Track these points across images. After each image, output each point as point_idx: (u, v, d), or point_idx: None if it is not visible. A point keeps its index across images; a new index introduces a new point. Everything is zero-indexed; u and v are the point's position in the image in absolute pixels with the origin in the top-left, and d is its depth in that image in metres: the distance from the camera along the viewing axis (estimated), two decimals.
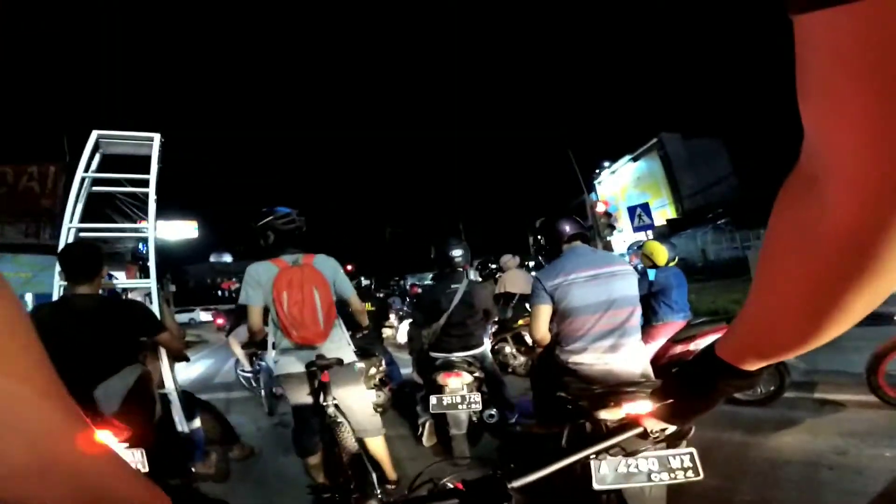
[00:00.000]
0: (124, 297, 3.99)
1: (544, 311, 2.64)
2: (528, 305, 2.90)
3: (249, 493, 3.31)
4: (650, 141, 24.23)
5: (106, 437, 2.28)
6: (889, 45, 0.26)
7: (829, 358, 4.61)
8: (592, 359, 2.49)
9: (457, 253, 3.96)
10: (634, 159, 25.48)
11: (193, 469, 3.30)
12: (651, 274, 4.45)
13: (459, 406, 3.47)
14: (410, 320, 4.52)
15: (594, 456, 1.95)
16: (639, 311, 2.58)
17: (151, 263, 4.01)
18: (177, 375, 3.64)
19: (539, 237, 2.95)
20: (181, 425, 3.38)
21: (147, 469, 2.39)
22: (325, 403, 2.58)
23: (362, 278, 6.18)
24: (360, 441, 2.71)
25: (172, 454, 2.92)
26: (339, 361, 2.63)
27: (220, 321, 6.89)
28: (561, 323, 2.64)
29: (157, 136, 4.33)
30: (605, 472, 1.87)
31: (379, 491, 2.45)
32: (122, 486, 0.44)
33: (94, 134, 4.12)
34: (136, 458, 2.39)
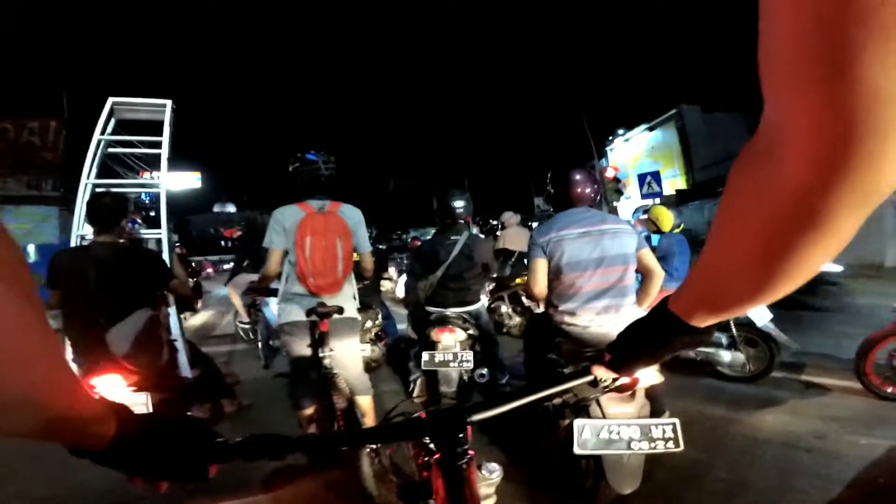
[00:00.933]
0: (145, 245, 4.37)
1: (540, 265, 2.62)
2: (526, 262, 2.88)
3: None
4: (669, 112, 23.74)
5: (115, 381, 2.59)
6: (839, 21, 0.29)
7: (818, 341, 4.67)
8: (585, 320, 2.47)
9: (458, 204, 3.85)
10: (651, 129, 24.99)
11: (190, 413, 3.40)
12: (654, 239, 4.42)
13: (451, 364, 3.45)
14: (407, 272, 4.50)
15: (575, 416, 1.98)
16: (632, 270, 2.55)
17: (163, 215, 4.52)
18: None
19: (549, 187, 2.89)
20: (184, 370, 3.58)
21: (151, 410, 2.56)
22: (321, 354, 2.56)
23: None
24: (350, 397, 2.72)
25: (175, 398, 2.99)
26: (339, 310, 2.59)
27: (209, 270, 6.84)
28: (554, 280, 2.62)
29: (168, 103, 4.76)
30: (587, 437, 1.90)
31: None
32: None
33: (110, 101, 4.59)
34: (142, 401, 2.59)
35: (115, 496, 2.07)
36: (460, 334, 3.59)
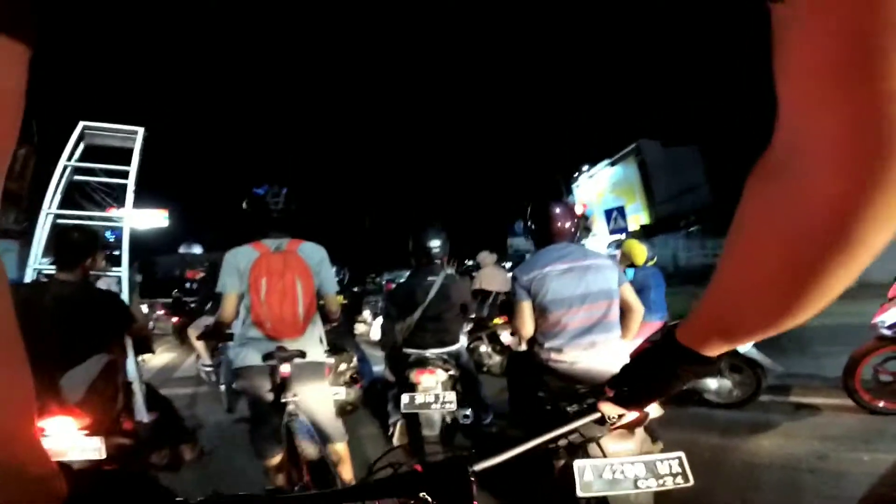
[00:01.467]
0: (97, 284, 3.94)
1: (526, 307, 2.54)
2: (511, 302, 2.78)
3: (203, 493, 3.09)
4: (629, 146, 24.45)
5: (66, 424, 2.37)
6: (875, 32, 0.28)
7: (801, 362, 4.64)
8: (572, 357, 2.40)
9: (435, 243, 3.68)
10: (612, 164, 25.65)
11: (150, 459, 3.26)
12: (629, 273, 4.39)
13: (433, 405, 3.25)
14: (383, 315, 4.34)
15: (570, 456, 1.81)
16: (616, 304, 2.49)
17: (125, 252, 4.34)
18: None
19: (530, 221, 2.83)
20: (140, 414, 3.38)
21: (104, 456, 2.37)
22: (283, 400, 2.34)
23: (335, 268, 5.82)
24: (323, 445, 2.47)
25: (130, 443, 2.80)
26: (301, 354, 2.38)
27: (174, 319, 6.56)
28: (539, 318, 2.54)
29: (140, 130, 4.57)
30: (590, 479, 1.75)
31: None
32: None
33: (81, 125, 4.34)
34: (95, 446, 2.37)
35: None
36: (441, 375, 3.40)
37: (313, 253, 2.60)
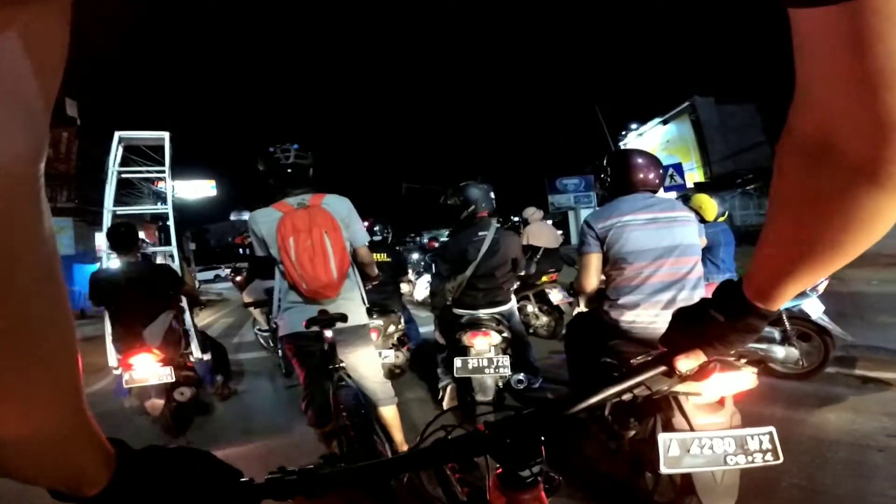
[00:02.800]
0: (154, 259, 5.78)
1: (594, 259, 2.40)
2: (576, 254, 2.65)
3: (260, 464, 3.19)
4: (682, 104, 23.45)
5: (149, 359, 3.45)
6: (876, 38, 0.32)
7: (865, 333, 4.38)
8: (650, 316, 2.23)
9: (481, 196, 3.56)
10: (664, 122, 24.72)
11: (206, 387, 4.42)
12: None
13: (486, 370, 3.19)
14: (432, 274, 4.28)
15: (661, 430, 1.72)
16: (700, 264, 2.34)
17: (172, 233, 5.97)
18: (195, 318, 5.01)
19: (606, 172, 2.60)
20: (196, 352, 4.65)
21: (173, 379, 3.47)
22: (331, 366, 2.30)
23: (377, 227, 5.86)
24: (373, 409, 2.50)
25: (192, 374, 3.95)
26: (343, 317, 2.30)
27: (238, 278, 6.96)
28: (612, 271, 2.37)
29: (167, 135, 5.92)
30: (676, 454, 1.67)
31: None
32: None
33: (117, 135, 5.61)
34: (167, 373, 3.44)
35: None
36: (494, 338, 3.31)
37: (339, 205, 2.52)
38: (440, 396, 3.73)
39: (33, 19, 0.26)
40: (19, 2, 0.25)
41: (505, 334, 3.42)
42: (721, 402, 1.82)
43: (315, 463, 0.66)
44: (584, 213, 19.60)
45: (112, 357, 4.37)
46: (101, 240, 18.54)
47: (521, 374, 3.43)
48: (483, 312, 3.48)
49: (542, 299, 6.07)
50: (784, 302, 0.66)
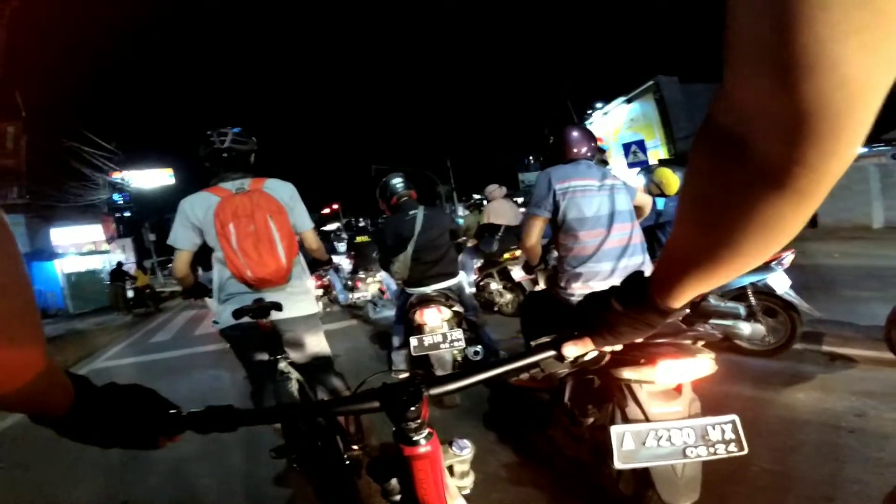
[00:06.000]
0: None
1: (541, 224, 2.44)
2: (523, 212, 2.64)
3: (204, 456, 3.07)
4: (646, 83, 23.59)
5: None
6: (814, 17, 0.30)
7: (831, 308, 4.34)
8: (604, 286, 2.10)
9: (399, 181, 3.79)
10: (629, 101, 24.85)
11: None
12: (660, 203, 4.04)
13: (442, 346, 3.26)
14: (378, 259, 4.28)
15: (617, 420, 1.56)
16: (639, 229, 2.37)
17: None
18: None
19: (548, 141, 2.64)
20: None
21: None
22: (270, 358, 2.16)
23: (361, 220, 6.38)
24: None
25: None
26: (277, 306, 2.13)
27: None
28: (566, 239, 2.33)
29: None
30: (631, 447, 1.53)
31: (346, 456, 2.21)
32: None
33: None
34: None
35: None
36: (445, 312, 3.42)
37: (282, 189, 2.38)
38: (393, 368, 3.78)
39: None
40: None
41: (456, 308, 3.52)
42: (678, 389, 1.70)
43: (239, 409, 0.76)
44: None
45: None
46: (58, 236, 18.16)
47: (478, 346, 3.55)
48: (431, 289, 3.57)
49: (506, 276, 6.04)
50: (683, 301, 0.64)
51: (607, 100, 26.51)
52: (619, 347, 0.79)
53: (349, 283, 7.83)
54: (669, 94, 22.79)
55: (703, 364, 1.60)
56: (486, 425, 3.03)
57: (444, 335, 3.28)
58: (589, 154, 2.52)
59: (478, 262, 6.36)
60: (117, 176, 22.08)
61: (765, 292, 3.49)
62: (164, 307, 14.15)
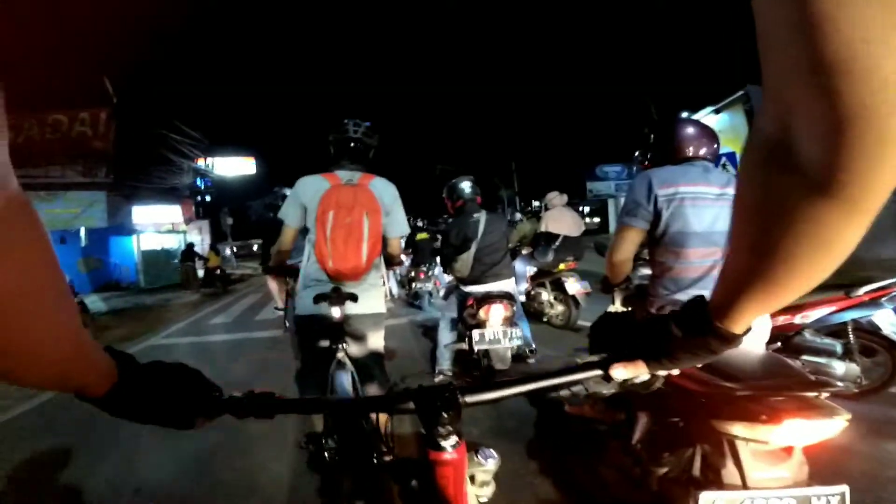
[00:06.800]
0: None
1: (637, 236, 1.98)
2: (608, 243, 2.23)
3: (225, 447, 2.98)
4: (736, 94, 22.30)
5: None
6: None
7: None
8: None
9: (467, 186, 4.01)
10: (717, 111, 23.55)
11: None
12: None
13: (502, 341, 3.49)
14: (441, 257, 4.45)
15: (702, 478, 1.45)
16: None
17: None
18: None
19: (649, 140, 2.21)
20: None
21: None
22: (332, 346, 2.17)
23: (420, 220, 6.78)
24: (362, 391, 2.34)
25: None
26: (353, 297, 2.18)
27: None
28: (667, 257, 1.91)
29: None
30: None
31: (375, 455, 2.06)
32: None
33: None
34: None
35: None
36: (508, 310, 3.62)
37: (386, 189, 2.43)
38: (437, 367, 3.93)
39: None
40: None
41: (515, 308, 3.72)
42: (788, 450, 1.39)
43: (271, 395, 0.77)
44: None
45: None
46: (139, 214, 19.40)
47: (533, 345, 3.89)
48: (488, 287, 3.79)
49: (559, 287, 5.75)
50: (745, 325, 0.60)
51: (693, 110, 25.31)
52: (676, 372, 0.73)
53: (407, 277, 8.34)
54: (759, 104, 21.57)
55: (837, 425, 1.30)
56: (529, 451, 2.73)
57: (505, 331, 3.51)
58: (709, 156, 2.04)
59: (531, 270, 6.15)
60: (201, 162, 23.25)
61: (867, 330, 3.03)
62: (231, 289, 14.63)
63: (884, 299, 2.97)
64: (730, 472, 1.38)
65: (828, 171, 0.35)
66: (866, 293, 2.98)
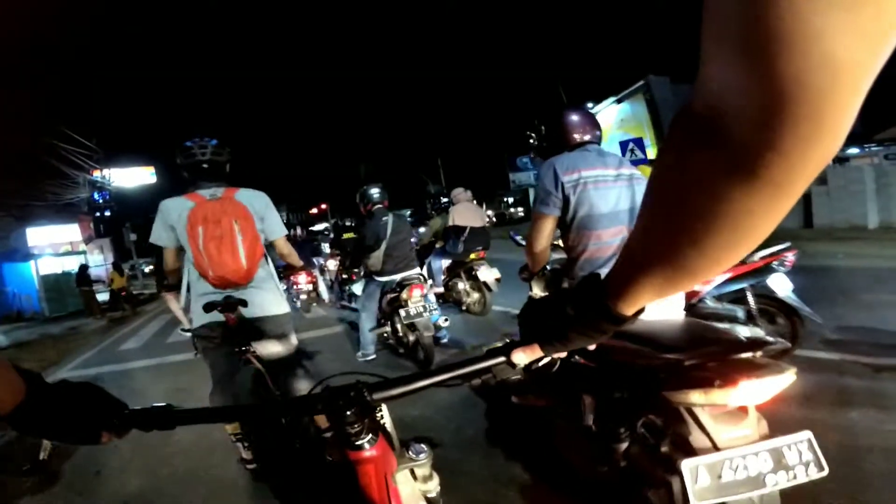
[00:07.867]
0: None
1: (551, 224, 2.07)
2: (521, 239, 2.27)
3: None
4: (637, 83, 23.54)
5: None
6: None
7: (856, 315, 4.09)
8: None
9: (375, 192, 4.70)
10: (619, 101, 24.79)
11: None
12: None
13: (424, 313, 4.19)
14: (350, 254, 5.39)
15: (675, 450, 1.44)
16: None
17: None
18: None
19: (540, 131, 2.31)
20: None
21: None
22: (237, 350, 2.24)
23: (347, 220, 6.86)
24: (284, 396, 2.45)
25: None
26: (243, 302, 2.29)
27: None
28: (577, 241, 2.01)
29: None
30: (706, 483, 1.30)
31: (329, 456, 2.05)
32: None
33: None
34: None
35: None
36: (422, 289, 4.35)
37: (253, 198, 2.50)
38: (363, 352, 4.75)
39: None
40: None
41: (427, 286, 4.57)
42: (744, 409, 1.44)
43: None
44: None
45: None
46: (34, 236, 17.52)
47: (444, 315, 4.79)
48: (406, 274, 4.56)
49: (472, 276, 6.27)
50: (636, 308, 0.58)
51: (597, 100, 26.45)
52: (562, 354, 0.76)
53: (338, 279, 8.38)
54: (660, 94, 22.80)
55: (787, 379, 1.35)
56: (488, 443, 2.76)
57: (424, 305, 4.21)
58: (595, 140, 2.18)
59: (447, 263, 6.63)
60: (97, 174, 21.39)
61: (764, 295, 3.22)
62: (140, 310, 13.66)
63: (774, 263, 3.12)
64: (697, 438, 1.41)
65: (756, 149, 0.34)
66: (761, 258, 3.12)
